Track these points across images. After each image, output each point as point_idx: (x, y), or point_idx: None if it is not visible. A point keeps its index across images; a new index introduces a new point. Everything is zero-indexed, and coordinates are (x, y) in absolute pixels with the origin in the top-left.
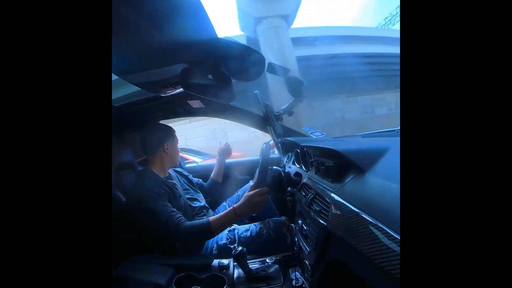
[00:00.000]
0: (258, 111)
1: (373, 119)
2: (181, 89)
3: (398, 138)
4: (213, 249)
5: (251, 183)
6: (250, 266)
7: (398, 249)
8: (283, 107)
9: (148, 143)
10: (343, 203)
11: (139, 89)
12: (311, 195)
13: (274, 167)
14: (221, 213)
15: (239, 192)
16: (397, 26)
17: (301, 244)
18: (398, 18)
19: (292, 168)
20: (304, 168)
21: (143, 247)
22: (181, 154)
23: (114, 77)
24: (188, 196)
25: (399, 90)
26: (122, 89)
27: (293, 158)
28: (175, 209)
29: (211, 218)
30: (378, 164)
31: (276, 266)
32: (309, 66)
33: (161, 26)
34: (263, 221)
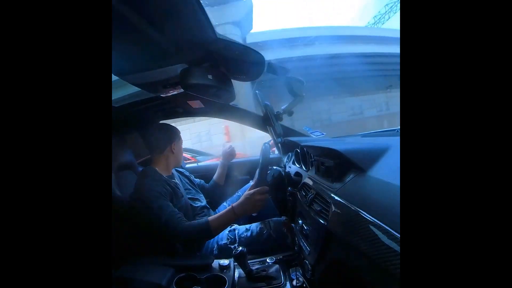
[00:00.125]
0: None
1: (362, 120)
2: (181, 89)
3: (398, 138)
4: (214, 249)
5: (251, 183)
6: (250, 266)
7: (398, 248)
8: (282, 107)
9: (155, 142)
10: (344, 203)
11: (139, 89)
12: (311, 195)
13: (274, 167)
14: (220, 213)
15: (239, 192)
16: (387, 25)
17: (302, 244)
18: (388, 17)
19: (292, 168)
20: (304, 168)
21: (144, 248)
22: (183, 154)
23: (114, 77)
24: (189, 196)
25: (389, 90)
26: (122, 90)
27: (293, 158)
28: (176, 209)
29: (210, 218)
30: (378, 164)
31: (277, 266)
32: (293, 68)
33: (161, 27)
34: (263, 221)
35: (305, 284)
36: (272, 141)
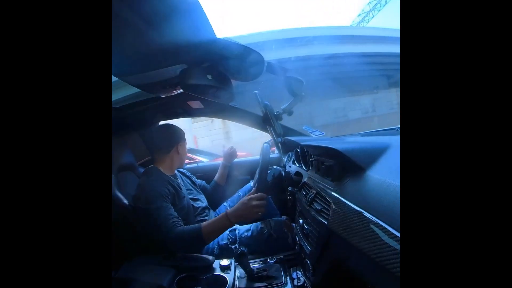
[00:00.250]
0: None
1: (346, 123)
2: (181, 90)
3: (398, 137)
4: (214, 249)
5: (251, 183)
6: (251, 266)
7: (398, 247)
8: (282, 107)
9: (161, 142)
10: (344, 202)
11: (139, 90)
12: (311, 194)
13: (275, 167)
14: (214, 219)
15: (239, 192)
16: (373, 23)
17: (302, 244)
18: (373, 14)
19: (292, 167)
20: (304, 168)
21: (144, 248)
22: (187, 154)
23: (113, 78)
24: (191, 197)
25: (376, 92)
26: (122, 91)
27: (293, 157)
28: (173, 213)
29: (204, 223)
30: (378, 163)
31: (278, 265)
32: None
33: (160, 27)
34: (264, 220)
35: (306, 284)
36: (272, 140)
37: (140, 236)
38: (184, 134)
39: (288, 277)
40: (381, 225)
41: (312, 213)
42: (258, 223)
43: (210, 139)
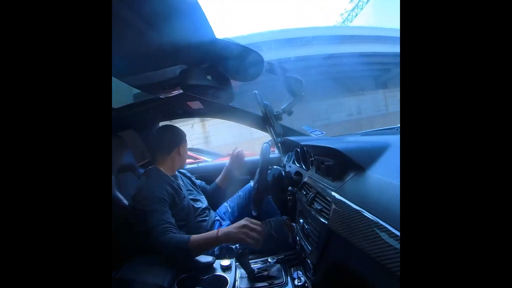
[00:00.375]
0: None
1: (328, 126)
2: (181, 90)
3: (398, 136)
4: (215, 249)
5: (251, 183)
6: (252, 266)
7: (398, 246)
8: (282, 107)
9: (162, 143)
10: (344, 202)
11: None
12: (311, 194)
13: (275, 167)
14: (204, 234)
15: (239, 192)
16: (356, 22)
17: (303, 243)
18: (355, 13)
19: (293, 167)
20: (304, 167)
21: (145, 249)
22: (190, 153)
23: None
24: (191, 197)
25: (361, 93)
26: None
27: (293, 157)
28: (167, 218)
29: (193, 236)
30: (378, 162)
31: (278, 265)
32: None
33: (160, 28)
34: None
35: (307, 284)
36: (271, 140)
37: (140, 237)
38: (185, 135)
39: (288, 277)
40: (381, 225)
41: (313, 213)
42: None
43: (191, 144)
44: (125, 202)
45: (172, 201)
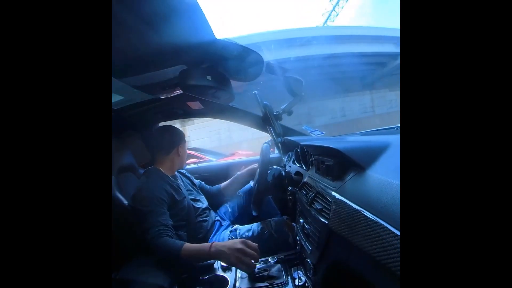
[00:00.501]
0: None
1: (327, 126)
2: (180, 91)
3: (398, 135)
4: None
5: (251, 183)
6: None
7: (398, 245)
8: (282, 107)
9: (161, 144)
10: (344, 201)
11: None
12: (312, 194)
13: (275, 167)
14: (198, 245)
15: (239, 193)
16: (338, 21)
17: (303, 243)
18: (336, 13)
19: (293, 167)
20: (304, 167)
21: (145, 249)
22: (195, 153)
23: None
24: (191, 197)
25: (347, 95)
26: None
27: (293, 157)
28: (163, 221)
29: (187, 244)
30: (378, 162)
31: (279, 265)
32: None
33: (159, 28)
34: (264, 221)
35: (307, 283)
36: (271, 140)
37: (140, 237)
38: (184, 135)
39: (289, 277)
40: (382, 224)
41: (313, 212)
42: (259, 223)
43: None
44: (125, 202)
45: (171, 201)
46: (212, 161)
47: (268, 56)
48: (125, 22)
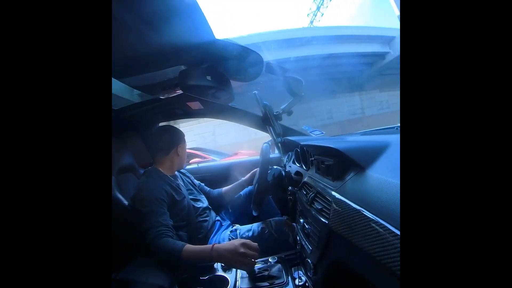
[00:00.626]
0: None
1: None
2: (180, 91)
3: (398, 135)
4: None
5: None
6: None
7: (398, 245)
8: (282, 107)
9: (161, 144)
10: (344, 201)
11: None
12: (312, 194)
13: (275, 167)
14: (199, 246)
15: (240, 194)
16: (323, 22)
17: (303, 243)
18: (322, 13)
19: (293, 167)
20: (304, 167)
21: (145, 249)
22: (198, 153)
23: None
24: (191, 197)
25: (334, 96)
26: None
27: (293, 157)
28: (163, 221)
29: (188, 246)
30: (378, 161)
31: (279, 265)
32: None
33: (159, 29)
34: (264, 220)
35: (308, 283)
36: (271, 140)
37: (140, 237)
38: (184, 136)
39: (289, 277)
40: (381, 224)
41: (313, 212)
42: (259, 223)
43: None
44: (125, 203)
45: (171, 201)
46: (215, 161)
47: (267, 56)
48: (125, 22)
